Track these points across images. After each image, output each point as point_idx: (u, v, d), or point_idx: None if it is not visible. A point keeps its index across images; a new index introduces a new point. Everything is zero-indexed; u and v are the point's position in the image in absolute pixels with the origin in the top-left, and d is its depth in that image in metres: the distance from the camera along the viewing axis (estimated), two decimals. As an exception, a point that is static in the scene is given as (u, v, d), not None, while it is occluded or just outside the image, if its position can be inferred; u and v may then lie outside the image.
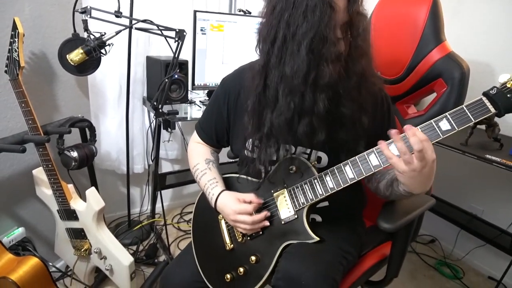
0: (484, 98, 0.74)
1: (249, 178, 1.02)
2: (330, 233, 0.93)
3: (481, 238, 1.85)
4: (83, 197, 1.40)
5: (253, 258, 0.92)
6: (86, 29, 1.37)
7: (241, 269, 0.93)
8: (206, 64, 1.83)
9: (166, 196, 2.35)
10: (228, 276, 0.95)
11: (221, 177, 1.04)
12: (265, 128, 0.84)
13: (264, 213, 0.91)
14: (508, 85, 0.73)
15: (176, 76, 1.73)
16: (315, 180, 0.88)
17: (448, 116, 0.77)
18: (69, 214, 1.37)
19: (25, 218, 1.48)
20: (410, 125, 0.73)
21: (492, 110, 0.73)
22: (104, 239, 1.37)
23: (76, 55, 1.36)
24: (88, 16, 1.36)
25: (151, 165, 2.04)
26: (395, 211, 0.96)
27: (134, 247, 1.91)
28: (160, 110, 1.55)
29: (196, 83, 1.83)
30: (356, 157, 0.83)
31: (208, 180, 1.01)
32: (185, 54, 1.81)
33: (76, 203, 1.36)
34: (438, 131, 0.77)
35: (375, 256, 1.08)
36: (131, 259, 1.40)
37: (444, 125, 0.77)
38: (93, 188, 1.35)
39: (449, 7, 1.94)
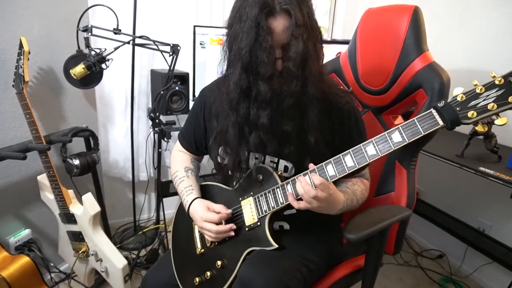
0: (433, 111, 0.74)
1: (223, 186, 1.06)
2: (294, 241, 0.95)
3: (488, 256, 1.76)
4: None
5: (219, 262, 0.95)
6: (87, 45, 1.48)
7: (208, 273, 0.97)
8: (206, 76, 1.90)
9: (172, 204, 2.42)
10: (197, 279, 0.98)
11: (197, 185, 1.08)
12: (224, 137, 0.89)
13: (229, 226, 0.94)
14: (459, 98, 0.72)
15: (177, 88, 1.82)
16: (278, 189, 0.91)
17: (400, 128, 0.77)
18: (69, 217, 1.47)
19: (31, 220, 1.59)
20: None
21: (440, 123, 0.73)
22: (99, 243, 1.45)
23: (78, 70, 1.47)
24: (89, 34, 1.47)
25: (155, 173, 2.12)
26: (363, 222, 0.96)
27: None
28: (157, 121, 1.63)
29: (196, 94, 1.90)
30: (316, 167, 0.85)
31: (185, 187, 1.06)
32: (187, 67, 1.90)
33: (75, 208, 1.45)
34: (390, 143, 0.78)
35: (348, 267, 1.08)
36: (125, 262, 1.46)
37: (396, 137, 0.78)
38: (89, 194, 1.43)
39: (454, 15, 1.91)
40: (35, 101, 1.52)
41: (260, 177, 0.95)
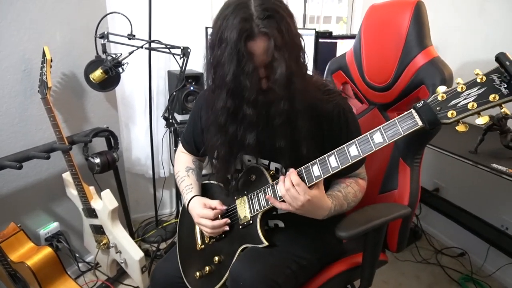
0: (413, 111, 0.74)
1: (221, 184, 1.11)
2: (286, 239, 0.98)
3: (509, 256, 1.69)
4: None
5: (216, 258, 1.01)
6: (104, 51, 1.58)
7: (207, 268, 1.02)
8: (219, 76, 1.94)
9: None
10: (198, 273, 1.04)
11: (197, 183, 1.14)
12: (213, 153, 0.97)
13: (224, 220, 0.99)
14: (439, 98, 0.72)
15: (191, 88, 1.89)
16: (268, 189, 0.94)
17: (382, 128, 0.78)
18: (90, 212, 1.58)
19: (59, 214, 1.73)
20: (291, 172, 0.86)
21: (420, 123, 0.73)
22: (118, 236, 1.56)
23: (97, 75, 1.57)
24: (106, 40, 1.57)
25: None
26: (356, 220, 0.97)
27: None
28: (171, 121, 1.71)
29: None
30: (302, 167, 0.88)
31: (185, 186, 1.12)
32: (201, 67, 1.96)
33: (96, 203, 1.56)
34: (372, 144, 0.79)
35: (345, 264, 1.09)
36: (141, 254, 1.56)
37: (378, 137, 0.79)
38: (107, 190, 1.54)
39: (473, 3, 1.82)
40: (59, 105, 1.65)
41: (253, 177, 0.99)
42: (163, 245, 2.08)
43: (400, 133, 0.75)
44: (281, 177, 0.88)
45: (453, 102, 0.70)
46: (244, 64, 0.77)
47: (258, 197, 0.96)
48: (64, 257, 1.74)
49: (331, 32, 2.29)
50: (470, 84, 0.69)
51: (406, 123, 0.74)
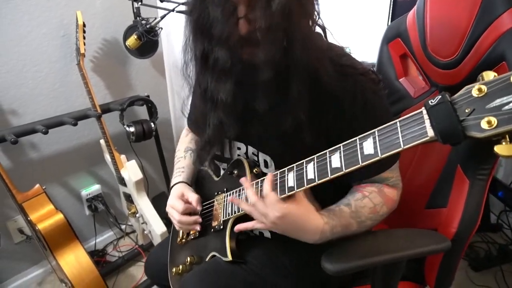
0: (424, 112, 0.44)
1: (212, 174, 0.94)
2: (264, 256, 0.78)
3: None
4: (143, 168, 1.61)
5: (188, 259, 0.87)
6: (137, 15, 1.49)
7: (181, 267, 0.90)
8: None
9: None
10: (174, 269, 0.93)
11: (191, 168, 1.00)
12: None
13: (194, 218, 0.84)
14: (474, 92, 0.41)
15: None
16: (243, 191, 0.74)
17: (377, 133, 0.50)
18: (121, 180, 1.59)
19: (102, 177, 1.80)
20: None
21: (430, 133, 0.43)
22: (143, 207, 1.54)
23: (131, 41, 1.50)
24: (139, 3, 1.48)
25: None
26: (355, 249, 0.71)
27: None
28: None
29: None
30: (278, 172, 0.65)
31: (177, 168, 1.00)
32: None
33: (125, 172, 1.56)
34: (359, 156, 0.52)
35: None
36: (164, 229, 1.52)
37: (368, 146, 0.51)
38: (133, 161, 1.52)
39: None
40: (101, 71, 1.65)
41: (236, 172, 0.80)
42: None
43: (399, 145, 0.46)
44: (253, 182, 0.67)
45: (498, 101, 0.39)
46: None
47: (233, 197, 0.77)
48: (101, 219, 1.84)
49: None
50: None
51: (410, 130, 0.46)
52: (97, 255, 1.77)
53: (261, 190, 0.66)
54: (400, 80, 1.10)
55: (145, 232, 1.60)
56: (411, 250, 0.69)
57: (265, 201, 0.63)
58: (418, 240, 0.73)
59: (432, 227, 0.89)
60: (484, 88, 0.40)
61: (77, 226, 1.74)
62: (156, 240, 1.57)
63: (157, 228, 1.52)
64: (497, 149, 0.38)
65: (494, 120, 0.38)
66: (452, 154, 0.90)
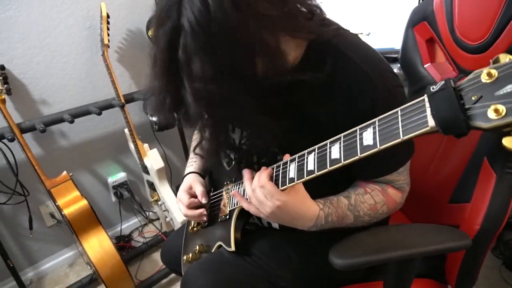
0: (426, 99, 0.40)
1: (224, 163, 0.94)
2: (269, 249, 0.77)
3: None
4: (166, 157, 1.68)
5: (197, 247, 0.88)
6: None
7: (190, 255, 0.90)
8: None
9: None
10: (185, 257, 0.94)
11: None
12: None
13: (199, 211, 0.84)
14: (483, 77, 0.36)
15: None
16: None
17: (377, 123, 0.47)
18: (144, 168, 1.63)
19: (128, 165, 1.86)
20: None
21: (431, 123, 0.39)
22: (165, 195, 1.58)
23: (152, 31, 1.52)
24: (161, -7, 1.48)
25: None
26: (364, 243, 0.68)
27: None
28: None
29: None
30: (275, 165, 0.64)
31: (191, 157, 1.00)
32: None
33: (147, 161, 1.59)
34: (358, 147, 0.49)
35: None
36: (184, 217, 1.55)
37: (368, 136, 0.48)
38: (154, 150, 1.55)
39: None
40: (126, 61, 1.69)
41: (244, 161, 0.79)
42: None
43: (398, 136, 0.43)
44: (256, 173, 0.66)
45: (509, 87, 0.34)
46: None
47: (239, 188, 0.76)
48: (127, 206, 1.90)
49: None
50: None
51: (411, 119, 0.42)
52: (123, 240, 1.83)
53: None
54: (426, 66, 1.03)
55: (166, 219, 1.64)
56: (425, 247, 0.65)
57: (262, 190, 0.61)
58: (434, 236, 0.69)
59: (455, 223, 0.84)
60: (494, 72, 0.35)
61: (103, 212, 1.82)
62: (177, 228, 1.60)
63: (178, 216, 1.55)
64: (505, 141, 0.34)
65: (502, 109, 0.34)
66: (479, 146, 0.83)
